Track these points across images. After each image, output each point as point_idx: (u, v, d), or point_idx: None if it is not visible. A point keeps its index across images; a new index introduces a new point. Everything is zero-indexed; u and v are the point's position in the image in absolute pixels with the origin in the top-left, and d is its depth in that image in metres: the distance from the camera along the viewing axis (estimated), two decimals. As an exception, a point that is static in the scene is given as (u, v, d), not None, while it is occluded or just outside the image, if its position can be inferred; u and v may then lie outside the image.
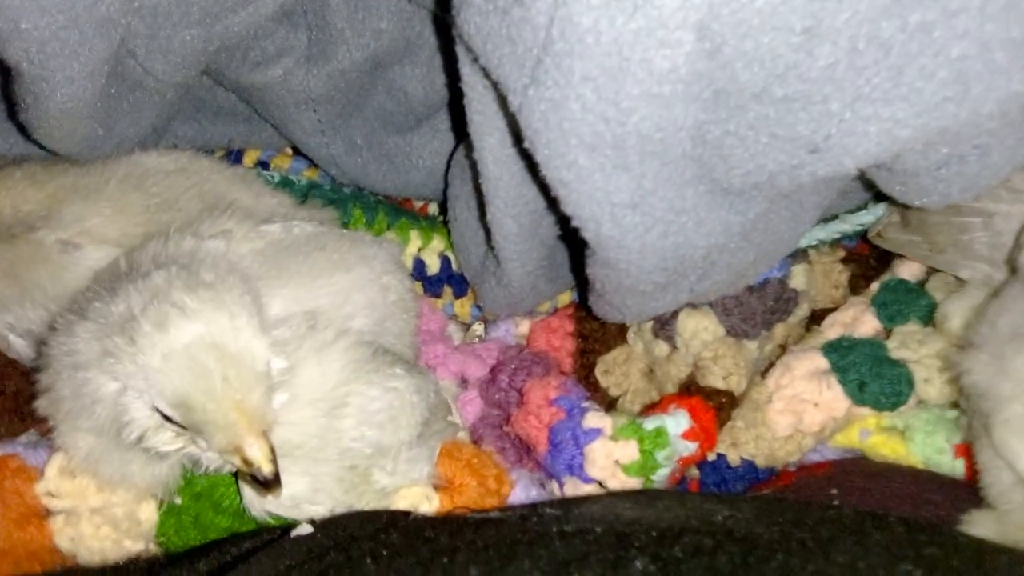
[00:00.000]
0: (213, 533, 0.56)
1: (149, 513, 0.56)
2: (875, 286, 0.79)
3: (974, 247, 0.71)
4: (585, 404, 0.73)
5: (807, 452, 0.73)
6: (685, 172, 0.51)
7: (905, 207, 0.73)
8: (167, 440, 0.51)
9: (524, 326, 0.88)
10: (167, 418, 0.49)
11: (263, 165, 0.88)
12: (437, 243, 0.88)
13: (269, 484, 0.48)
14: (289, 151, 0.91)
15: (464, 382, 0.83)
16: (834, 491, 0.64)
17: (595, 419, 0.71)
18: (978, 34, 0.44)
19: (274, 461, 0.48)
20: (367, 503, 0.57)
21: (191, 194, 0.67)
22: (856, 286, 0.85)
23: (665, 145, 0.48)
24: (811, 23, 0.43)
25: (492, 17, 0.48)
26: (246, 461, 0.48)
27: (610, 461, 0.70)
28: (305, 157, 0.89)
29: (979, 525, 0.59)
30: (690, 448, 0.71)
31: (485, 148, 0.62)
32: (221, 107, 0.83)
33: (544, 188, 0.66)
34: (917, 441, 0.70)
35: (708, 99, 0.46)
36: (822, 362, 0.74)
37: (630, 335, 0.86)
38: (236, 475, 0.55)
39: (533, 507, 0.51)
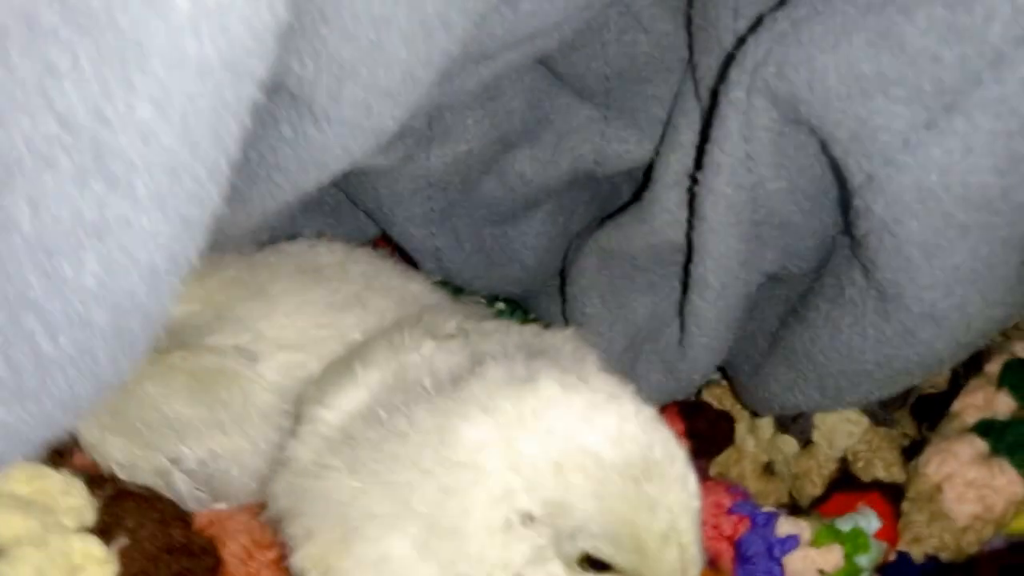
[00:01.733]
0: None
1: None
2: (994, 368, 0.80)
3: None
4: (766, 509, 0.67)
5: (987, 541, 0.71)
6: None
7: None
8: None
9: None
10: (592, 565, 0.39)
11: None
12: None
13: None
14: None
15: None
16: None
17: (788, 525, 0.65)
18: None
19: None
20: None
21: (371, 290, 0.56)
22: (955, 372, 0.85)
23: None
24: None
25: (883, 60, 0.45)
26: None
27: (813, 570, 0.64)
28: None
29: None
30: (883, 549, 0.66)
31: (721, 224, 0.57)
32: (310, 198, 0.73)
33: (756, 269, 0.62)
34: (1095, 521, 0.69)
35: None
36: (981, 445, 0.72)
37: (739, 433, 0.82)
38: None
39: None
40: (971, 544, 0.70)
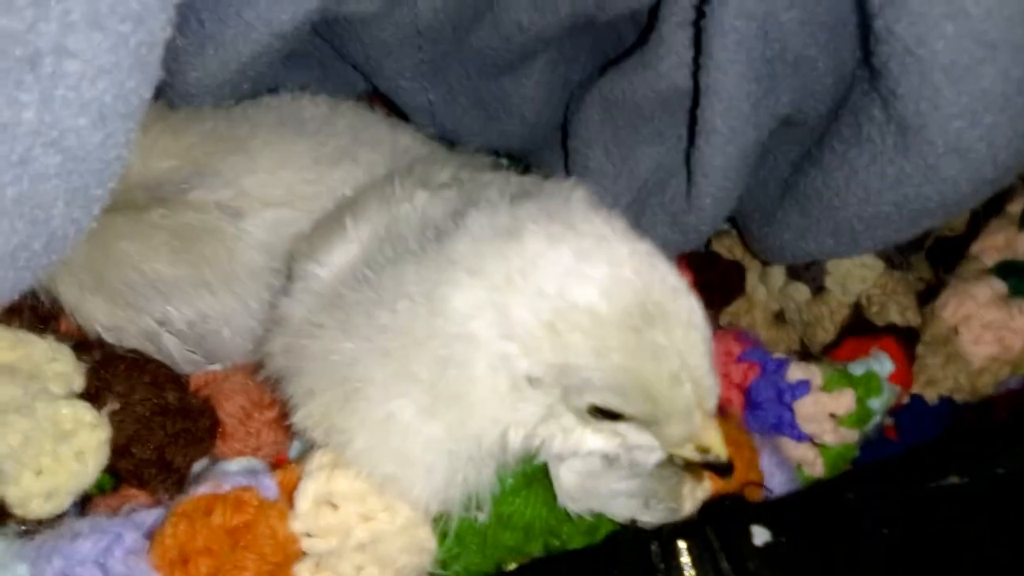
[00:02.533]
0: (497, 553, 0.45)
1: (428, 539, 0.43)
2: (1016, 208, 0.77)
3: None
4: (778, 355, 0.66)
5: (1003, 383, 0.69)
6: None
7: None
8: (595, 443, 0.40)
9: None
10: (605, 414, 0.38)
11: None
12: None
13: (726, 469, 0.39)
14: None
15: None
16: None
17: (799, 371, 0.63)
18: None
19: None
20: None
21: (359, 142, 0.53)
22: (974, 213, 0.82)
23: None
24: None
25: None
26: (701, 448, 0.38)
27: (824, 414, 0.62)
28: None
29: None
30: (896, 392, 0.65)
31: (731, 61, 0.53)
32: (294, 50, 0.69)
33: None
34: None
35: None
36: (1000, 286, 0.70)
37: (749, 282, 0.80)
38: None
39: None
40: (986, 385, 0.69)
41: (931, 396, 0.68)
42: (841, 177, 0.56)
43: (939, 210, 0.56)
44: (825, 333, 0.75)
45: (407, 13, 0.65)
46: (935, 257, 0.81)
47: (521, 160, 0.85)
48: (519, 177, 0.55)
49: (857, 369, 0.63)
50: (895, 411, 0.69)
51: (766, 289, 0.79)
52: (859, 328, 0.73)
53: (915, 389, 0.68)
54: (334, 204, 0.52)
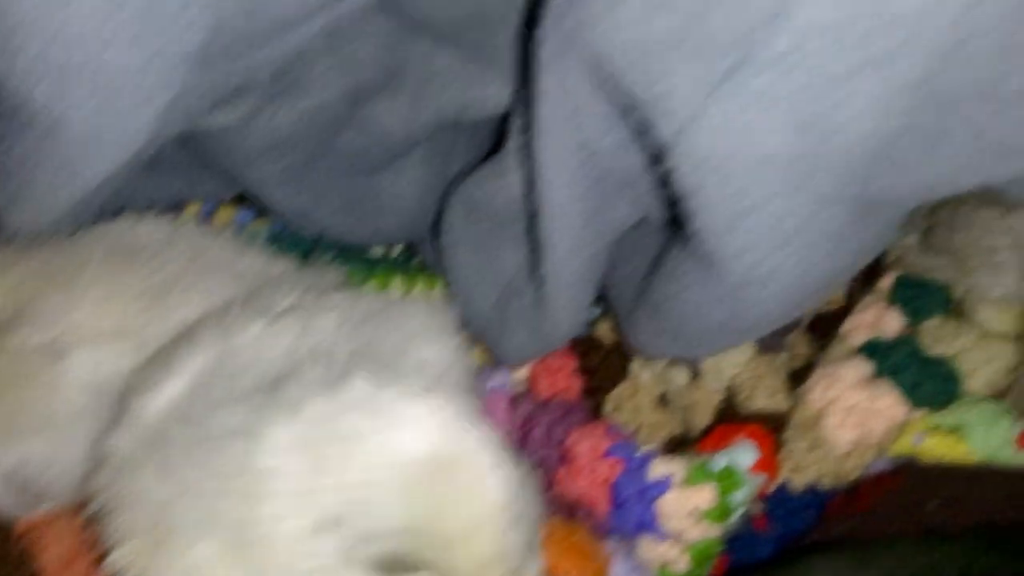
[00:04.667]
0: None
1: None
2: (886, 283, 0.78)
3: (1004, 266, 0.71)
4: (643, 450, 0.66)
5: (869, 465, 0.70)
6: (846, 190, 0.46)
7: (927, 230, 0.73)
8: None
9: (521, 371, 0.79)
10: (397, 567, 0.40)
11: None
12: (421, 288, 0.78)
13: None
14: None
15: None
16: (934, 503, 0.61)
17: (661, 467, 0.64)
18: None
19: None
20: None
21: (197, 267, 0.54)
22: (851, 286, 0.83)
23: (857, 156, 0.43)
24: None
25: (659, 19, 0.41)
26: None
27: (687, 511, 0.63)
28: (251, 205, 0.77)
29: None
30: (759, 482, 0.66)
31: (557, 184, 0.54)
32: (154, 159, 0.69)
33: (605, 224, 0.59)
34: (976, 437, 0.69)
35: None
36: (867, 367, 0.71)
37: (634, 366, 0.81)
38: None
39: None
40: (852, 470, 0.70)
41: (798, 483, 0.69)
42: (673, 289, 0.58)
43: (764, 324, 0.58)
44: (703, 418, 0.76)
45: (266, 124, 0.66)
46: (817, 331, 0.83)
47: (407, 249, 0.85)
48: (368, 297, 0.56)
49: (718, 463, 0.64)
50: (765, 498, 0.69)
51: (650, 372, 0.80)
52: (731, 414, 0.74)
53: (782, 475, 0.69)
54: (170, 334, 0.52)
